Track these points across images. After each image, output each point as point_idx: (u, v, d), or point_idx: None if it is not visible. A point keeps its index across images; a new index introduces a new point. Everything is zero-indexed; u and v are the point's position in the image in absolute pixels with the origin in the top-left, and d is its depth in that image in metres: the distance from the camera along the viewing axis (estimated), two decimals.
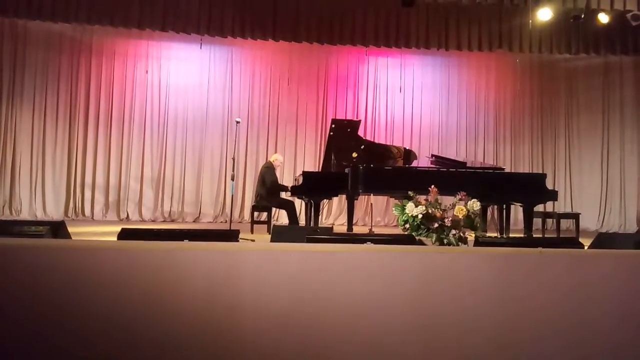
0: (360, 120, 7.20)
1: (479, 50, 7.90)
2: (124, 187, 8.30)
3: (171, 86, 8.57)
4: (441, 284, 1.90)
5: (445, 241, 4.07)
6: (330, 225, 7.33)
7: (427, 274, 1.90)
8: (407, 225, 4.18)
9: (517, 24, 7.61)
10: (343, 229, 6.43)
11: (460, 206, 4.15)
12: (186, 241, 2.40)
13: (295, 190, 6.11)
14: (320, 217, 6.58)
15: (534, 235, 6.05)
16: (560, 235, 6.75)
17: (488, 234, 5.87)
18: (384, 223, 8.68)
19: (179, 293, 1.77)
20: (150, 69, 8.48)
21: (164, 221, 8.23)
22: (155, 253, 1.82)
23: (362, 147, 6.36)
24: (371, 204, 6.94)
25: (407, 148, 6.83)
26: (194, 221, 8.34)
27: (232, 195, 6.49)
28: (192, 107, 8.59)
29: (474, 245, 2.87)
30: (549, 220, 7.35)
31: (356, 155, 6.26)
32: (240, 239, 3.04)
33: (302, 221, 6.99)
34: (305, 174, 6.05)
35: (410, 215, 4.14)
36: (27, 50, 7.99)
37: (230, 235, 2.82)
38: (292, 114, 8.76)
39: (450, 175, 5.83)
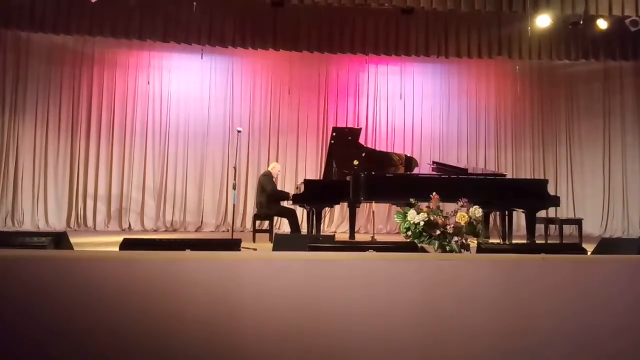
0: (360, 128, 7.22)
1: (479, 57, 7.93)
2: (126, 197, 8.31)
3: (172, 96, 8.61)
4: (444, 291, 1.89)
5: (447, 248, 4.06)
6: (332, 234, 7.31)
7: (430, 282, 1.90)
8: (409, 233, 4.18)
9: (516, 30, 7.64)
10: (345, 237, 6.41)
11: (462, 213, 4.15)
12: (188, 251, 2.40)
13: (297, 199, 6.11)
14: (322, 225, 6.57)
15: (537, 241, 6.03)
16: (563, 241, 6.73)
17: (490, 241, 5.86)
18: (386, 230, 8.66)
19: (182, 302, 1.77)
20: (151, 80, 8.53)
21: (165, 231, 8.22)
22: (157, 263, 1.82)
23: (363, 154, 6.37)
24: (373, 211, 6.93)
25: (408, 155, 6.83)
26: (195, 230, 8.33)
27: (234, 204, 6.49)
28: (194, 117, 8.62)
29: (477, 252, 2.86)
30: (552, 226, 7.33)
31: (357, 163, 6.27)
32: (242, 248, 3.04)
33: (304, 229, 6.97)
34: (306, 182, 6.05)
35: (412, 222, 4.14)
36: (29, 62, 8.05)
37: (232, 245, 2.82)
38: (293, 122, 8.79)
39: (451, 182, 5.82)
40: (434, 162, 6.86)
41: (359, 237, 6.76)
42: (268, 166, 8.05)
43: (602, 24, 7.24)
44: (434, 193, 4.35)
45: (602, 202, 8.77)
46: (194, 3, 6.85)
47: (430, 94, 9.12)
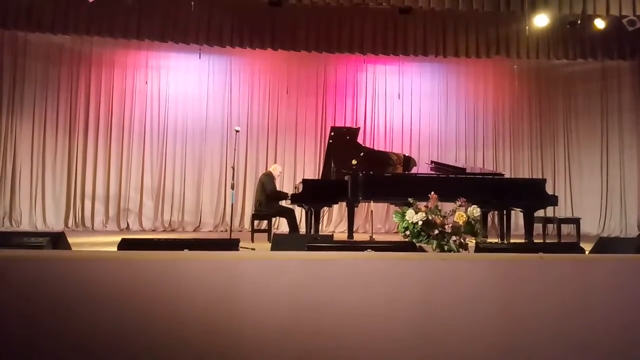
0: (359, 128, 7.23)
1: (477, 56, 7.94)
2: (124, 197, 8.30)
3: (170, 96, 8.60)
4: (442, 290, 1.89)
5: (445, 248, 4.07)
6: (331, 233, 7.33)
7: (428, 281, 1.90)
8: (408, 232, 4.18)
9: (514, 30, 7.65)
10: (343, 236, 6.41)
11: (461, 212, 4.15)
12: (186, 251, 2.40)
13: (296, 198, 6.11)
14: (320, 224, 6.58)
15: (535, 241, 6.04)
16: (561, 240, 6.74)
17: (489, 240, 5.87)
18: (385, 230, 8.67)
19: (180, 302, 1.77)
20: (149, 79, 8.51)
21: (164, 231, 8.21)
22: (156, 263, 1.82)
23: (362, 154, 6.37)
24: (371, 211, 6.92)
25: (407, 155, 6.84)
26: (194, 230, 8.33)
27: (232, 204, 6.49)
28: (192, 117, 8.61)
29: (475, 252, 2.87)
30: (550, 226, 7.33)
31: (356, 162, 6.27)
32: (241, 247, 3.04)
33: (302, 229, 6.98)
34: (305, 182, 6.06)
35: (410, 222, 4.14)
36: (27, 61, 8.02)
37: (231, 244, 2.82)
38: (292, 122, 8.79)
39: (449, 182, 5.83)
40: (432, 162, 6.87)
41: (357, 237, 6.76)
42: (266, 166, 8.08)
43: (599, 23, 7.26)
44: (432, 192, 4.35)
45: (600, 201, 8.79)
46: (192, 3, 6.84)
47: (428, 93, 9.13)
